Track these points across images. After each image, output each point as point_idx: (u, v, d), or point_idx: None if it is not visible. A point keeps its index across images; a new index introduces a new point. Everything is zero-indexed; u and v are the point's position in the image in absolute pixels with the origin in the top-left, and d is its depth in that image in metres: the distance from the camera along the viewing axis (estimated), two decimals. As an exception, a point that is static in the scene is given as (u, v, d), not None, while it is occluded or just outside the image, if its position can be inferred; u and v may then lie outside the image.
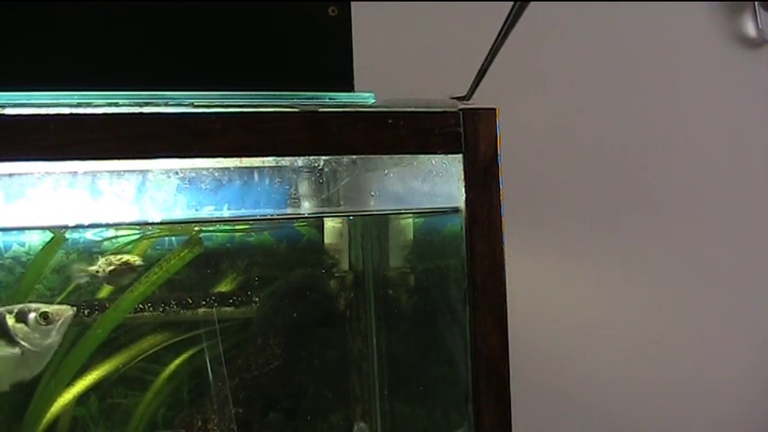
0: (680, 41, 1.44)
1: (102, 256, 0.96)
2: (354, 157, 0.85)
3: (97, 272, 0.95)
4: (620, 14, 1.40)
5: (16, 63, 0.76)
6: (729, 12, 1.46)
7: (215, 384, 1.02)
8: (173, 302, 1.05)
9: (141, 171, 0.82)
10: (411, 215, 1.05)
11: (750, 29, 1.47)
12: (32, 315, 0.82)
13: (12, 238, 0.98)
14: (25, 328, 0.82)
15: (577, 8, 1.34)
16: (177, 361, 1.05)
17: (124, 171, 0.81)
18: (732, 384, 1.49)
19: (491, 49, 0.73)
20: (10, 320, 0.82)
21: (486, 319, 0.79)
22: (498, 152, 0.79)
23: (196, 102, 0.74)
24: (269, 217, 0.99)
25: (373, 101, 0.84)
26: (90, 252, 1.01)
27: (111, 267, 0.95)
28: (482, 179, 0.79)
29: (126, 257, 0.96)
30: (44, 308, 0.83)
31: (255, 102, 0.78)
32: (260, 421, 1.05)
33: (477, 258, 0.79)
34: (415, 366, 1.08)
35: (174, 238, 1.04)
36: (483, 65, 0.76)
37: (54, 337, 0.83)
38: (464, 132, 0.78)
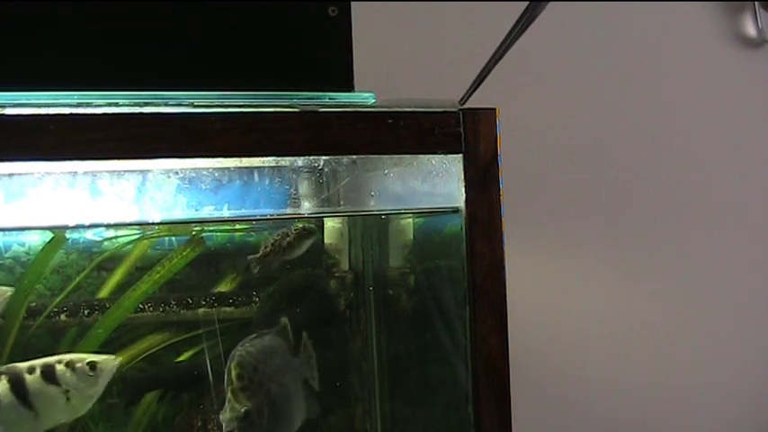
0: (680, 41, 1.44)
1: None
2: (354, 157, 0.85)
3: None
4: (620, 14, 1.40)
5: (16, 63, 0.76)
6: (729, 12, 1.46)
7: (215, 384, 1.02)
8: (173, 302, 1.05)
9: (141, 171, 0.82)
10: (411, 215, 1.05)
11: (750, 29, 1.47)
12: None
13: (12, 238, 0.98)
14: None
15: (577, 8, 1.34)
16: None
17: (124, 171, 0.81)
18: (732, 384, 1.49)
19: (496, 52, 0.73)
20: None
21: (486, 319, 0.79)
22: (498, 152, 0.79)
23: (196, 102, 0.74)
24: (269, 217, 0.99)
25: (373, 101, 0.84)
26: (90, 252, 1.01)
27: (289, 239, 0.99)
28: (482, 179, 0.79)
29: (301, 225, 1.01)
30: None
31: (255, 102, 0.78)
32: (260, 421, 1.05)
33: (477, 258, 0.79)
34: (415, 366, 1.08)
35: (174, 238, 1.05)
36: (485, 68, 0.76)
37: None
38: (464, 132, 0.78)
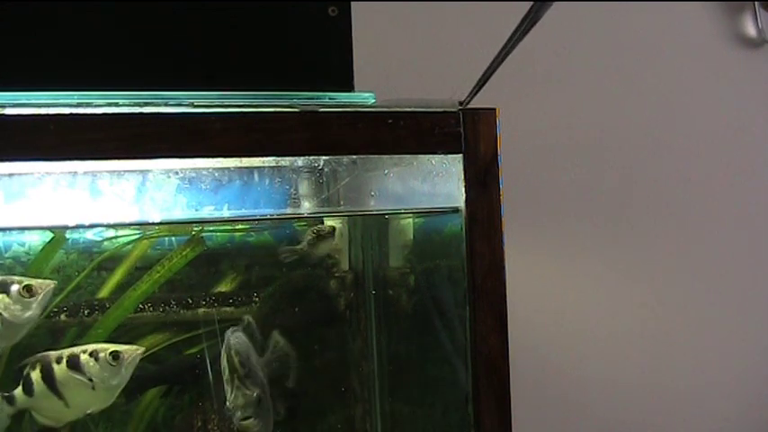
0: (680, 41, 1.44)
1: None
2: (354, 157, 0.85)
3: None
4: (621, 15, 1.40)
5: (16, 63, 0.76)
6: (729, 12, 1.46)
7: (215, 384, 1.02)
8: (173, 302, 1.05)
9: (141, 171, 0.82)
10: (411, 215, 1.05)
11: (750, 29, 1.47)
12: (15, 287, 0.83)
13: (12, 238, 0.98)
14: (6, 299, 0.83)
15: (578, 8, 1.34)
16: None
17: (124, 171, 0.81)
18: (732, 384, 1.49)
19: (499, 54, 0.72)
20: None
21: (486, 319, 0.79)
22: (498, 152, 0.79)
23: (196, 102, 0.74)
24: (269, 217, 0.99)
25: (373, 101, 0.84)
26: (90, 252, 1.01)
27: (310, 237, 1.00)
28: (482, 179, 0.79)
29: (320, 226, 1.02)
30: (27, 280, 0.84)
31: (255, 102, 0.78)
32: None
33: (477, 258, 0.79)
34: (415, 366, 1.08)
35: (173, 238, 1.04)
36: (488, 70, 0.76)
37: (34, 310, 0.84)
38: (464, 132, 0.78)
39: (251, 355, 0.92)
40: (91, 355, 0.85)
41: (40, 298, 0.83)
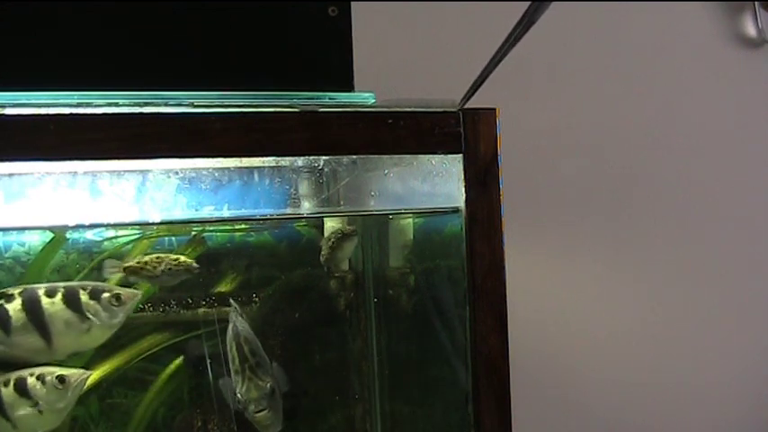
0: (680, 41, 1.44)
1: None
2: (354, 157, 0.85)
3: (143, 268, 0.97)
4: (620, 15, 1.40)
5: (16, 63, 0.76)
6: (729, 12, 1.46)
7: (215, 384, 1.02)
8: (173, 302, 1.05)
9: (141, 171, 0.82)
10: (411, 215, 1.05)
11: (750, 29, 1.47)
12: (106, 294, 0.86)
13: (12, 238, 0.98)
14: (97, 306, 0.86)
15: (578, 8, 1.34)
16: (177, 361, 1.05)
17: (124, 171, 0.81)
18: (732, 384, 1.49)
19: (495, 55, 0.72)
20: (83, 296, 0.86)
21: (486, 319, 0.79)
22: (498, 152, 0.79)
23: (196, 102, 0.74)
24: (269, 217, 0.99)
25: (373, 101, 0.84)
26: (90, 252, 1.01)
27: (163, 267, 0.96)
28: (482, 179, 0.79)
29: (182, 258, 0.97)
30: (117, 290, 0.87)
31: (255, 102, 0.78)
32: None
33: (477, 258, 0.79)
34: (415, 366, 1.08)
35: (174, 238, 1.04)
36: (484, 71, 0.76)
37: (122, 317, 0.87)
38: (464, 132, 0.78)
39: (259, 342, 0.90)
40: (38, 378, 0.84)
41: (127, 307, 0.87)
